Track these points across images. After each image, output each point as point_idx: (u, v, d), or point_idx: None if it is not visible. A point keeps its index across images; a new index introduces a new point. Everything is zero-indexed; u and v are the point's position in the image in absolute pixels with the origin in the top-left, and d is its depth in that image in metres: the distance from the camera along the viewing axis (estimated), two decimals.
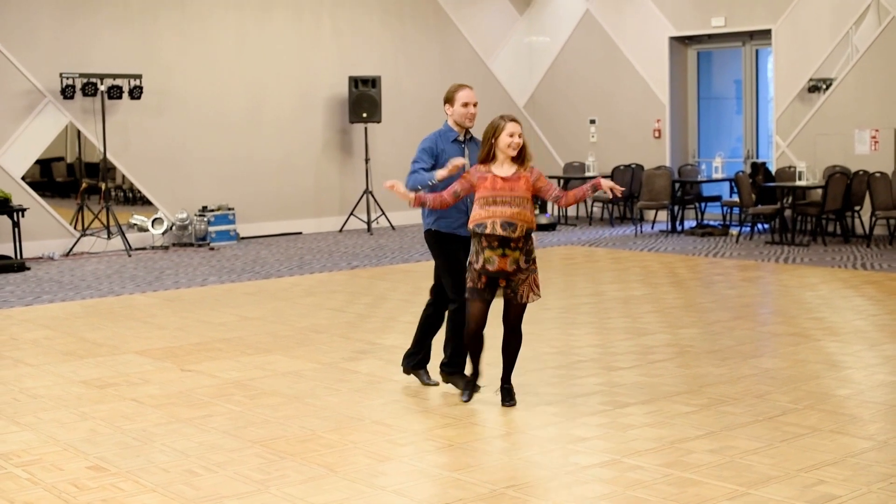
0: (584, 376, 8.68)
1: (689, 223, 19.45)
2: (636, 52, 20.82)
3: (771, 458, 6.46)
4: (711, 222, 19.28)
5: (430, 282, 8.59)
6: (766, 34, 19.08)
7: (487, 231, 7.49)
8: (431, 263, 14.84)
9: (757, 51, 19.74)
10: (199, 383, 8.81)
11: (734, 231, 18.19)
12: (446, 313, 8.38)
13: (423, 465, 6.54)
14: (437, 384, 8.47)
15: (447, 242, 8.18)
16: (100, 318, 12.04)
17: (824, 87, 18.21)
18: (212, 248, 17.98)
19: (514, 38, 22.54)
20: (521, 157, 7.67)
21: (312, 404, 8.05)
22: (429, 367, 8.62)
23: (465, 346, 7.93)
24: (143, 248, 17.93)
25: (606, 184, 7.75)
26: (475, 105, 8.19)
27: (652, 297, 12.35)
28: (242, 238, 19.03)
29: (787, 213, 17.24)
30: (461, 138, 8.25)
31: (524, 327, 7.94)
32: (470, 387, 8.08)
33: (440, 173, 7.79)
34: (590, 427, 7.24)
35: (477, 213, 7.58)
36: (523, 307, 7.79)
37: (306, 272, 15.07)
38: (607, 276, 14.07)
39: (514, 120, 7.67)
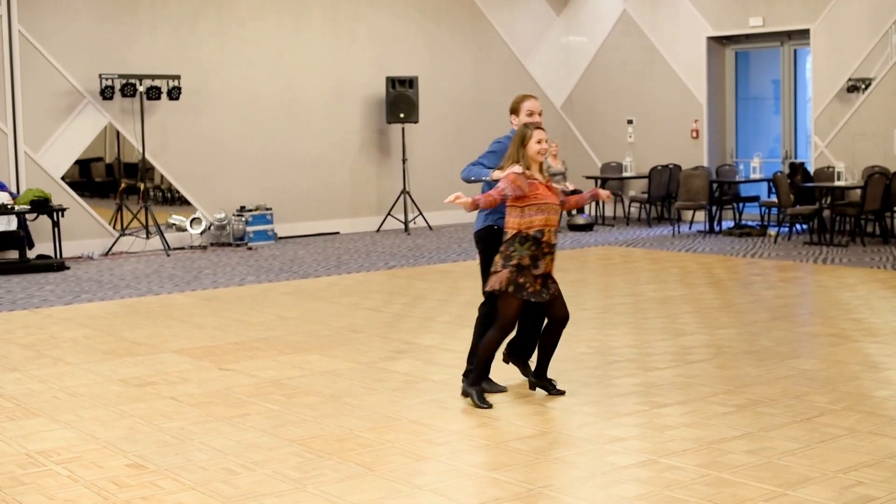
0: (621, 376, 8.68)
1: (727, 223, 19.39)
2: (673, 52, 20.78)
3: (808, 459, 6.45)
4: (749, 223, 19.23)
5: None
6: (804, 34, 18.99)
7: (544, 238, 7.76)
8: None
9: (795, 51, 19.65)
10: (237, 382, 8.85)
11: (772, 231, 18.12)
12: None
13: (460, 464, 6.56)
14: (504, 390, 8.37)
15: (498, 242, 8.19)
16: (138, 317, 12.12)
17: (863, 86, 18.12)
18: (250, 248, 18.06)
19: (551, 38, 22.53)
20: (540, 165, 7.93)
21: (350, 403, 8.08)
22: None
23: (497, 342, 7.99)
24: (182, 248, 18.02)
25: (604, 194, 8.30)
26: (540, 114, 8.35)
27: (689, 297, 12.33)
28: (280, 238, 19.10)
29: (826, 213, 17.17)
30: None
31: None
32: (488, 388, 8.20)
33: (497, 174, 7.92)
34: (626, 427, 7.23)
35: (534, 220, 7.76)
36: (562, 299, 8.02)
37: (343, 272, 15.12)
38: (644, 276, 14.05)
39: (539, 127, 7.89)
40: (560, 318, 8.02)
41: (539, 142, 7.78)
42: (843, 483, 6.00)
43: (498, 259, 7.84)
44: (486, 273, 8.13)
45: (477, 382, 8.03)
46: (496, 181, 7.91)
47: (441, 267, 15.42)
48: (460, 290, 13.23)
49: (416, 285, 13.79)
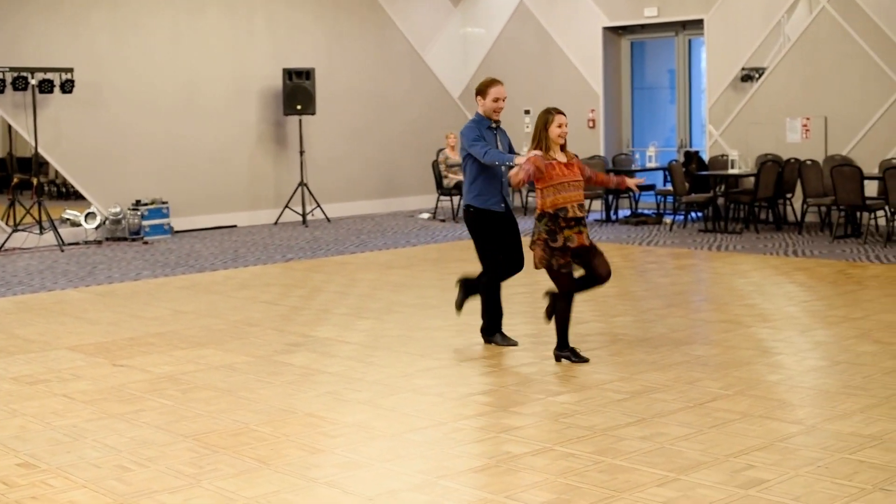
0: (518, 365, 8.72)
1: (624, 212, 19.56)
2: (570, 43, 20.90)
3: (701, 443, 6.52)
4: (646, 211, 19.41)
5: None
6: (698, 24, 19.21)
7: (569, 214, 8.36)
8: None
9: (690, 41, 19.88)
10: (131, 378, 8.75)
11: (668, 219, 18.32)
12: (485, 280, 9.29)
13: (356, 456, 6.53)
14: (516, 343, 9.33)
15: (484, 218, 9.08)
16: (31, 314, 11.92)
17: (757, 76, 18.37)
18: (145, 243, 17.84)
19: (448, 29, 22.56)
20: (564, 145, 8.60)
21: (245, 397, 8.02)
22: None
23: (566, 310, 8.65)
24: (77, 244, 17.74)
25: (629, 183, 9.07)
26: (504, 100, 9.19)
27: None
28: (177, 232, 18.91)
29: (720, 201, 17.39)
30: (493, 126, 9.19)
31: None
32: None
33: (519, 159, 8.61)
34: (522, 416, 7.26)
35: (555, 198, 8.38)
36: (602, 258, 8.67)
37: (240, 265, 15.01)
38: None
39: (560, 112, 8.56)
40: (602, 273, 8.61)
41: (560, 125, 8.47)
42: (735, 466, 6.08)
43: (532, 238, 8.58)
44: (479, 251, 9.22)
45: (563, 347, 8.72)
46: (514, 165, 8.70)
47: (338, 259, 15.37)
48: (357, 281, 13.20)
49: (314, 277, 13.74)
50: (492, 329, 9.41)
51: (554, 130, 8.48)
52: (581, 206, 8.47)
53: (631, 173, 19.09)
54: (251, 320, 11.04)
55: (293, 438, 6.93)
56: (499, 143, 9.17)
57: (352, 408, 7.65)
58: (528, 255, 9.04)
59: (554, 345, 8.81)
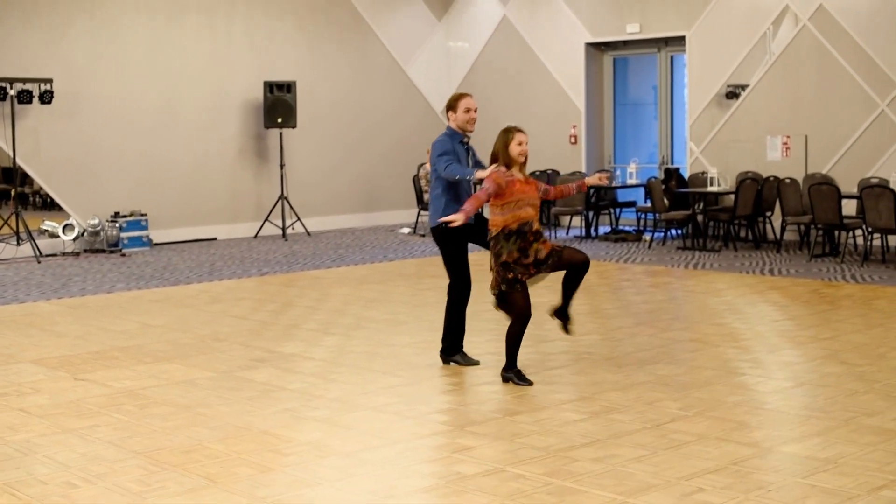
0: (478, 384, 8.66)
1: (605, 229, 19.52)
2: (553, 58, 20.88)
3: (654, 465, 6.46)
4: (626, 228, 19.37)
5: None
6: (680, 41, 19.19)
7: (534, 229, 8.37)
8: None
9: (672, 57, 19.85)
10: (90, 392, 8.68)
11: (647, 237, 18.27)
12: (453, 297, 9.28)
13: (306, 475, 6.46)
14: (477, 363, 9.30)
15: (454, 234, 8.95)
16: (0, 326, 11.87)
17: (742, 93, 18.35)
18: (123, 255, 17.77)
19: (432, 43, 22.53)
20: (523, 163, 8.56)
21: (203, 414, 7.96)
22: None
23: (518, 333, 8.57)
24: (55, 255, 17.67)
25: (591, 180, 9.00)
26: (476, 111, 9.17)
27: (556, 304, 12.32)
28: (156, 244, 18.84)
29: (700, 218, 17.35)
30: (465, 140, 9.18)
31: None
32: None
33: (480, 173, 8.60)
34: (477, 436, 7.20)
35: (517, 215, 8.36)
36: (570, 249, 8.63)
37: (216, 279, 14.94)
38: None
39: (521, 130, 8.56)
40: (579, 261, 8.56)
41: (520, 143, 8.45)
42: (685, 490, 6.02)
43: (491, 258, 8.49)
44: (448, 266, 9.20)
45: (510, 368, 8.63)
46: (479, 181, 8.57)
47: (314, 273, 15.31)
48: (330, 296, 13.14)
49: (287, 292, 13.67)
50: (452, 349, 9.34)
51: (514, 148, 8.43)
52: (538, 222, 8.52)
53: (612, 190, 19.11)
54: (219, 335, 10.97)
55: (245, 456, 6.87)
56: (469, 158, 9.17)
57: (308, 426, 7.59)
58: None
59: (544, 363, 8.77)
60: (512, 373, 8.61)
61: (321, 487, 6.26)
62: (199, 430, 7.53)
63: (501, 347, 9.85)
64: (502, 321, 11.13)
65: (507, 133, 8.47)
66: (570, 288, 8.74)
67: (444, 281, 9.44)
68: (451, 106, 9.15)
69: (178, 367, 9.51)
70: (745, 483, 6.12)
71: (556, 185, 18.95)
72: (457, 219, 8.27)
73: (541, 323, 11.04)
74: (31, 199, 18.03)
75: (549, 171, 20.31)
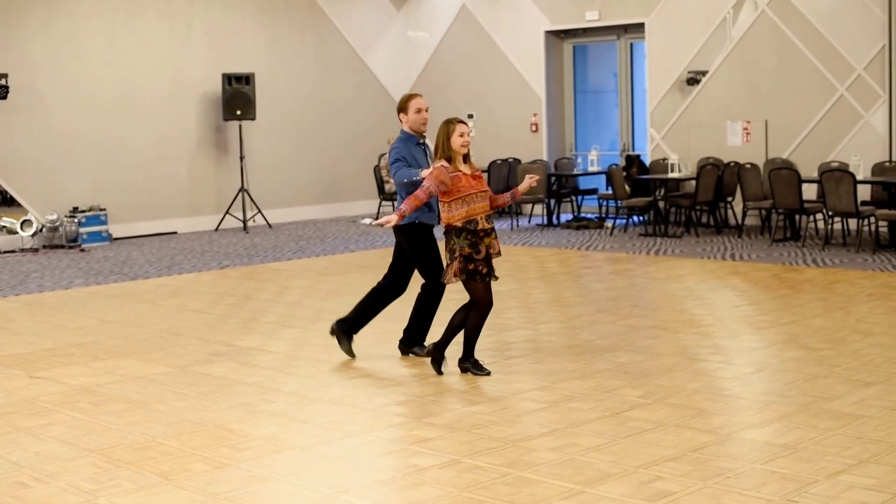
0: (436, 376, 8.57)
1: (566, 216, 19.48)
2: (512, 47, 20.81)
3: (612, 454, 6.42)
4: (588, 215, 19.34)
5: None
6: (639, 28, 19.16)
7: (480, 227, 8.25)
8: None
9: (632, 44, 19.82)
10: (45, 390, 8.57)
11: (609, 224, 18.24)
12: (427, 292, 9.11)
13: (261, 470, 6.39)
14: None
15: (420, 232, 8.88)
16: None
17: (700, 79, 18.34)
18: (82, 250, 17.61)
19: (391, 33, 22.42)
20: (467, 156, 8.38)
21: (158, 409, 7.87)
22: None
23: (480, 324, 8.49)
24: (13, 251, 17.49)
25: (522, 189, 8.64)
26: (427, 110, 8.98)
27: (518, 292, 12.30)
28: (116, 239, 18.68)
29: (662, 205, 17.33)
30: (421, 142, 9.03)
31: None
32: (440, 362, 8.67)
33: (425, 172, 8.45)
34: (435, 427, 7.13)
35: (463, 211, 8.23)
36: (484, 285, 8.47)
37: (175, 273, 14.82)
38: None
39: (462, 121, 8.32)
40: (476, 301, 8.43)
41: (462, 135, 8.23)
42: (643, 478, 5.98)
43: (446, 253, 8.34)
44: (418, 262, 8.96)
45: (468, 359, 8.57)
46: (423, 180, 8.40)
47: (275, 266, 15.20)
48: (289, 289, 13.05)
49: (246, 285, 13.57)
50: (413, 341, 9.26)
51: (456, 140, 8.23)
52: (489, 218, 8.37)
53: (573, 178, 19.08)
54: (177, 329, 10.87)
55: (200, 452, 6.78)
56: (429, 158, 9.05)
57: (264, 420, 7.51)
58: None
59: (483, 357, 8.73)
60: (469, 363, 8.55)
61: (276, 482, 6.19)
62: (154, 426, 7.44)
63: (461, 336, 9.82)
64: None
65: (448, 125, 8.28)
66: (458, 327, 8.60)
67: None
68: (402, 108, 8.99)
69: (134, 363, 9.40)
70: (703, 470, 6.08)
71: (516, 173, 19.00)
72: (390, 220, 8.19)
73: (500, 311, 11.03)
74: None
75: (510, 160, 20.24)
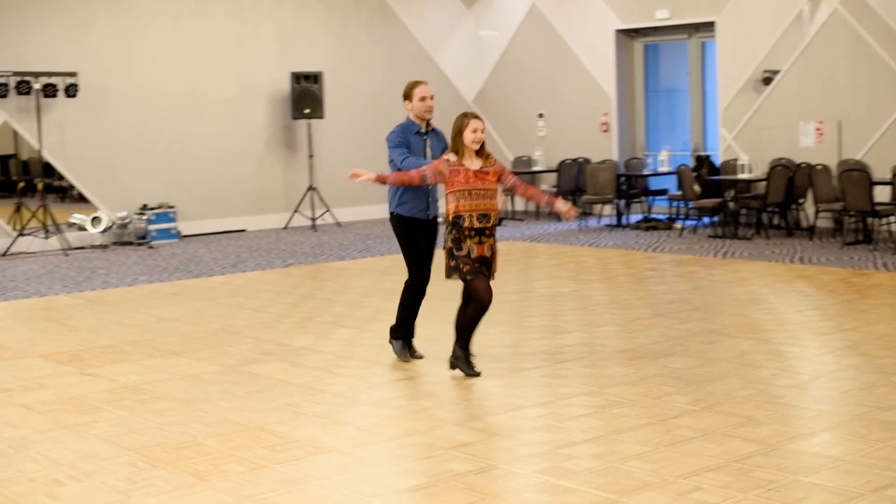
0: (484, 378, 8.44)
1: (637, 217, 19.27)
2: (582, 46, 20.63)
3: (653, 463, 6.27)
4: (658, 216, 19.11)
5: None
6: (710, 26, 18.89)
7: (466, 224, 8.15)
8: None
9: (703, 43, 19.56)
10: (94, 388, 8.59)
11: (678, 225, 18.00)
12: (409, 288, 9.10)
13: (295, 472, 6.32)
14: (422, 357, 9.12)
15: (409, 225, 8.82)
16: (16, 320, 11.83)
17: (772, 78, 18.04)
18: (151, 247, 17.72)
19: (461, 32, 22.33)
20: (482, 151, 8.28)
21: (202, 409, 7.84)
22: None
23: (475, 320, 8.34)
24: (83, 248, 17.64)
25: (562, 208, 8.61)
26: (432, 98, 8.87)
27: (579, 293, 12.16)
28: (185, 236, 18.78)
29: (732, 206, 17.07)
30: (423, 130, 8.92)
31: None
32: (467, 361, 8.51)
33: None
34: (476, 432, 7.03)
35: (455, 206, 8.19)
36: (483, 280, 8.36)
37: (239, 271, 14.84)
38: (539, 272, 13.87)
39: (476, 116, 8.27)
40: (478, 298, 8.25)
41: (475, 130, 8.17)
42: (682, 489, 5.83)
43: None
44: (405, 256, 8.98)
45: (463, 354, 8.44)
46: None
47: (338, 265, 15.18)
48: (350, 288, 13.00)
49: (308, 284, 13.55)
50: (400, 333, 9.18)
51: (468, 136, 8.16)
52: (482, 217, 8.20)
53: (643, 178, 18.86)
54: (232, 328, 10.86)
55: (237, 453, 6.74)
56: (428, 149, 8.91)
57: (306, 421, 7.45)
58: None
59: (539, 366, 8.61)
60: (462, 357, 8.46)
61: (309, 486, 6.12)
62: (196, 425, 7.41)
63: (516, 339, 9.75)
64: (517, 312, 11.02)
65: (464, 118, 8.23)
66: (466, 327, 8.43)
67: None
68: (407, 95, 8.89)
69: (185, 362, 9.40)
70: (744, 481, 5.91)
71: (586, 173, 18.81)
72: (367, 176, 8.29)
73: (557, 314, 10.92)
74: (62, 192, 18.03)
75: (580, 160, 20.08)
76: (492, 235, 8.28)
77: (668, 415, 7.28)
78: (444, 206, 8.32)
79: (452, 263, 8.21)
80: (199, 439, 7.07)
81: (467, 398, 7.95)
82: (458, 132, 8.19)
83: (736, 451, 6.44)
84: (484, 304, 8.26)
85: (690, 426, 6.99)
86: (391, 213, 8.95)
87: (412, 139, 8.83)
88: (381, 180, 8.31)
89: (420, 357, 9.12)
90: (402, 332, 9.16)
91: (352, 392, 8.19)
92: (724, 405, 7.48)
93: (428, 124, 8.97)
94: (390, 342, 9.23)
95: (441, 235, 8.58)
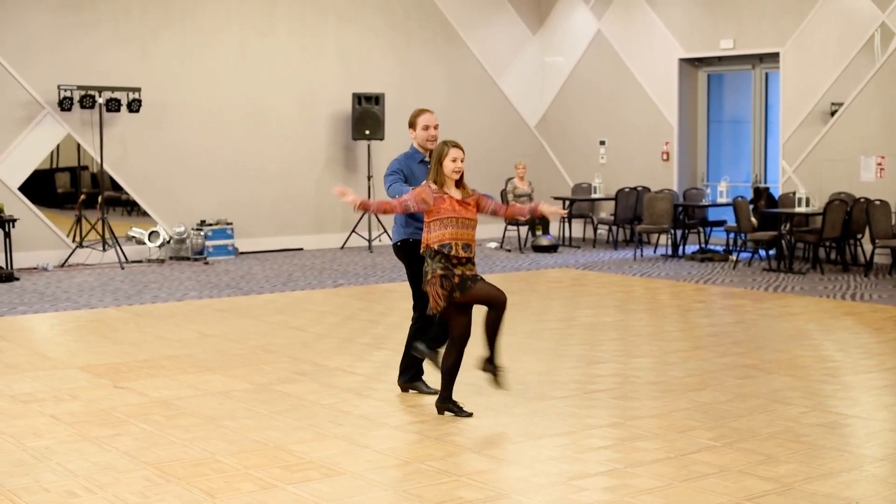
0: (510, 405, 8.42)
1: (694, 247, 19.13)
2: (646, 74, 20.57)
3: (664, 498, 6.21)
4: (715, 247, 18.97)
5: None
6: (775, 57, 18.75)
7: (452, 252, 7.87)
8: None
9: (767, 73, 19.42)
10: (124, 401, 8.67)
11: (733, 257, 17.85)
12: (415, 324, 8.75)
13: (305, 493, 6.34)
14: (436, 392, 8.49)
15: (415, 253, 8.46)
16: (62, 331, 11.98)
17: (836, 111, 17.86)
18: (206, 263, 17.86)
19: (525, 57, 22.32)
20: (461, 181, 8.05)
21: (226, 426, 7.89)
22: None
23: (457, 360, 8.11)
24: (140, 262, 17.84)
25: (546, 210, 8.38)
26: (436, 128, 8.75)
27: (621, 323, 12.09)
28: (241, 253, 18.92)
29: (788, 239, 16.90)
30: (427, 159, 8.69)
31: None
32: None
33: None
34: (492, 460, 7.01)
35: (440, 234, 7.91)
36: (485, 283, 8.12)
37: (289, 289, 14.91)
38: (586, 300, 13.81)
39: (457, 145, 8.02)
40: (494, 297, 8.00)
41: (454, 160, 7.95)
42: None
43: (424, 278, 7.97)
44: (413, 285, 8.65)
45: (447, 399, 8.17)
46: None
47: (388, 286, 15.21)
48: (393, 310, 13.02)
49: (353, 304, 13.59)
50: (415, 377, 8.95)
51: (448, 165, 7.93)
52: (466, 247, 7.91)
53: (701, 208, 18.74)
54: (270, 346, 10.92)
55: (252, 471, 6.77)
56: None
57: (326, 443, 7.46)
58: None
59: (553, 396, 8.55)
60: (451, 403, 8.18)
61: None
62: (217, 442, 7.45)
63: (550, 367, 9.70)
64: (556, 340, 10.97)
65: (443, 147, 8.00)
66: (491, 332, 8.11)
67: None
68: (411, 123, 8.81)
69: (218, 378, 9.46)
70: None
71: (643, 202, 18.71)
72: (353, 198, 7.81)
73: (595, 343, 10.86)
74: (123, 205, 18.29)
75: (638, 188, 19.98)
76: (472, 263, 8.01)
77: (689, 450, 7.21)
78: (423, 234, 8.02)
79: (447, 289, 7.86)
80: (218, 456, 7.11)
81: (491, 425, 7.91)
82: (438, 161, 7.97)
83: (750, 490, 6.37)
84: (465, 338, 8.06)
85: (709, 462, 6.92)
86: (404, 240, 8.67)
87: (415, 167, 8.69)
88: (363, 206, 7.99)
89: (435, 392, 8.67)
90: (417, 371, 8.97)
91: (377, 415, 8.20)
92: (746, 442, 7.40)
93: (431, 153, 8.70)
94: (408, 388, 8.97)
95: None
